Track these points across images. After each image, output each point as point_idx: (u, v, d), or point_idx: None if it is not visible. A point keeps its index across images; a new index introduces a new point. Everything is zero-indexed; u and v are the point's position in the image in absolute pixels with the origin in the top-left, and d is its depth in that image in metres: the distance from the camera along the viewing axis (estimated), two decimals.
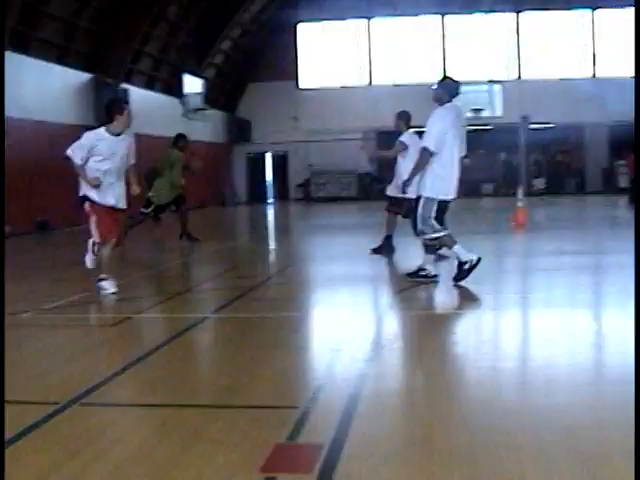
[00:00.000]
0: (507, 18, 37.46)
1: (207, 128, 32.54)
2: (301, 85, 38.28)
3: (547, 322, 7.34)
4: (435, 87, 9.39)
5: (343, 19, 37.83)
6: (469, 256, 9.15)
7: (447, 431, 4.24)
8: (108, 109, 9.32)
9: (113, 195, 9.14)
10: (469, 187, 37.14)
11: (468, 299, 8.74)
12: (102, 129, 9.21)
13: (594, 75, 37.22)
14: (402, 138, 12.43)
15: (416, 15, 37.46)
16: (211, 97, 32.41)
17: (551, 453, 3.84)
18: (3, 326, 6.71)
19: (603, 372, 5.59)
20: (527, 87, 35.87)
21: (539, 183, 36.67)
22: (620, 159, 31.30)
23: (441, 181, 9.14)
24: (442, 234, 9.28)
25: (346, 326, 7.43)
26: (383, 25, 38.13)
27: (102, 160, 9.03)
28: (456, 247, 9.22)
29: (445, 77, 9.55)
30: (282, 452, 3.91)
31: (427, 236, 9.35)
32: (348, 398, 4.78)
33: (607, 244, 14.49)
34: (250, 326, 7.36)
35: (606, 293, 9.34)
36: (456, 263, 9.26)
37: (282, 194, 38.21)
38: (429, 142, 9.12)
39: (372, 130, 37.14)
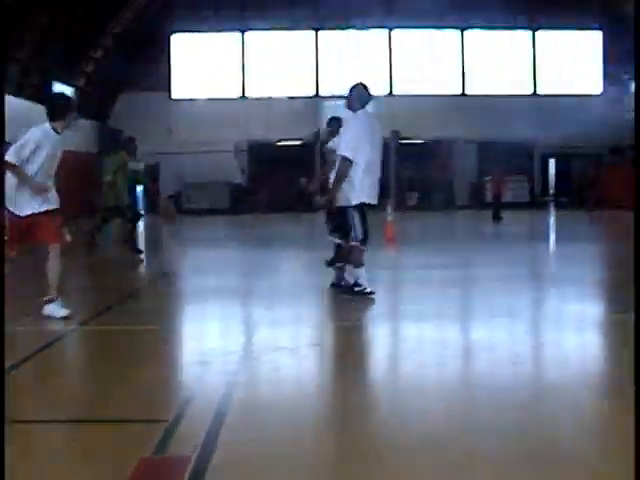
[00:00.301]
0: (379, 35, 38.15)
1: (77, 137, 31.86)
2: (174, 96, 38.00)
3: (416, 333, 7.48)
4: (346, 94, 9.34)
5: (218, 31, 37.78)
6: (367, 284, 9.12)
7: (316, 440, 4.26)
8: (60, 104, 8.35)
9: (36, 202, 8.12)
10: None
11: (341, 311, 8.83)
12: (47, 125, 8.16)
13: (464, 93, 38.25)
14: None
15: (291, 29, 37.72)
16: (82, 106, 31.80)
17: (419, 458, 3.91)
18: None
19: (471, 379, 5.72)
20: (398, 102, 36.51)
21: (411, 198, 37.28)
22: (487, 175, 32.13)
23: (353, 188, 9.00)
24: (357, 247, 9.17)
25: (217, 338, 7.41)
26: (258, 38, 38.25)
27: (42, 161, 8.04)
28: (361, 271, 9.15)
29: (357, 84, 9.51)
30: (148, 466, 3.84)
31: (335, 239, 9.34)
32: (217, 409, 4.75)
33: (474, 258, 14.86)
34: (118, 338, 7.24)
35: (473, 305, 9.58)
36: (352, 281, 9.27)
37: (152, 206, 37.71)
38: (346, 150, 8.97)
39: (244, 142, 37.28)
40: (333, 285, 9.73)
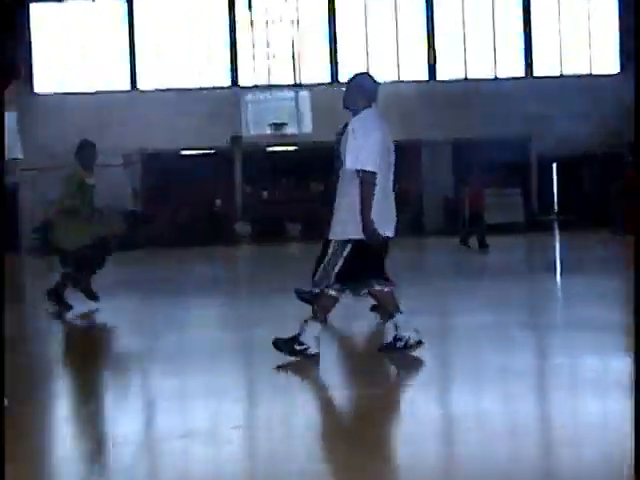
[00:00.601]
0: (318, 2, 38.33)
1: None
2: (37, 89, 37.78)
3: (377, 403, 7.47)
4: (345, 88, 9.30)
5: None
6: (313, 344, 9.03)
7: None
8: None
9: None
10: (268, 228, 37.61)
11: (273, 379, 8.79)
12: None
13: (433, 77, 38.51)
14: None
15: None
16: None
17: None
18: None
19: (459, 463, 5.72)
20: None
21: None
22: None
23: (355, 216, 8.86)
24: (332, 295, 9.08)
25: (104, 420, 7.32)
26: (152, 9, 38.21)
27: None
28: (316, 324, 9.09)
29: (358, 74, 9.41)
30: None
31: (321, 288, 9.15)
32: None
33: (453, 301, 14.96)
34: None
35: (455, 363, 9.61)
36: (296, 334, 9.12)
37: (11, 243, 37.33)
38: (366, 162, 8.81)
39: (137, 152, 37.04)
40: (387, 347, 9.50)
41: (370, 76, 9.50)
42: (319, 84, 36.88)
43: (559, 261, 24.60)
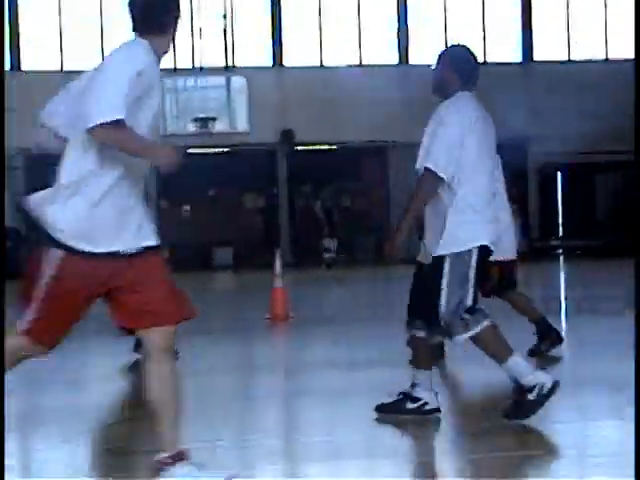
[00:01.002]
0: None
1: None
2: None
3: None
4: (434, 67, 9.02)
5: None
6: (538, 377, 8.67)
7: None
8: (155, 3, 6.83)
9: (128, 228, 6.74)
10: (190, 254, 37.12)
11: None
12: (147, 43, 6.91)
13: (405, 60, 38.45)
14: None
15: None
16: None
17: None
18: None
19: None
20: (291, 81, 36.57)
21: (330, 246, 35.39)
22: None
23: (471, 225, 8.72)
24: (481, 327, 8.67)
25: None
26: None
27: (149, 122, 6.77)
28: (514, 360, 8.69)
29: (452, 46, 9.35)
30: None
31: (460, 335, 8.71)
32: None
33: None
34: None
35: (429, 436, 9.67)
36: (514, 388, 8.80)
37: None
38: (433, 159, 8.57)
39: (17, 153, 36.75)
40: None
41: (467, 49, 9.29)
42: (258, 67, 36.78)
43: (564, 302, 24.61)
